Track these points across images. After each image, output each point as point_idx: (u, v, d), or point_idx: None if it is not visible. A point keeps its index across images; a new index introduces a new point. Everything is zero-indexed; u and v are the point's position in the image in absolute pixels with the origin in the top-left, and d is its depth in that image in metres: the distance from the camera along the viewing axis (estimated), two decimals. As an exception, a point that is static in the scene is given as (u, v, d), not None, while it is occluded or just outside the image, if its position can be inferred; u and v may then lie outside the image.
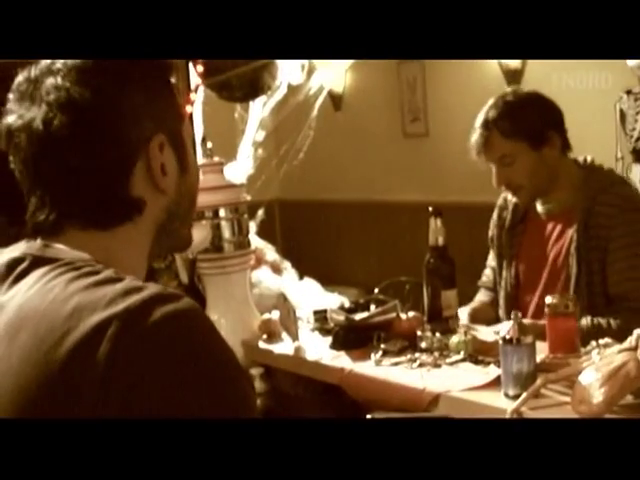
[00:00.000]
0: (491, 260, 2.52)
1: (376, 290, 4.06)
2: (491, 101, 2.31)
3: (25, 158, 0.94)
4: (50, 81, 0.93)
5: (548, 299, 1.89)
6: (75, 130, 0.91)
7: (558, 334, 1.86)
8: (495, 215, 2.50)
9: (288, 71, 2.58)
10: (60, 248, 0.94)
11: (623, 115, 3.65)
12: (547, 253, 2.29)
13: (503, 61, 4.08)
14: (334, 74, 4.62)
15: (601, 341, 1.85)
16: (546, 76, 3.94)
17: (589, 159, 2.30)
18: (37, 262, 0.91)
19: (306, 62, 2.73)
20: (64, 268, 0.89)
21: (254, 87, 2.56)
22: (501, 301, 2.42)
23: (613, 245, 2.12)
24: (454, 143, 4.55)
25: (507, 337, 1.71)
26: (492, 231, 2.50)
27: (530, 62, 4.05)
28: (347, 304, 2.61)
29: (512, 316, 1.72)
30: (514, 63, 4.06)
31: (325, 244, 5.15)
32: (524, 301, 2.35)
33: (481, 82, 4.26)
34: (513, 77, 4.10)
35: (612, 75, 3.68)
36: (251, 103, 2.65)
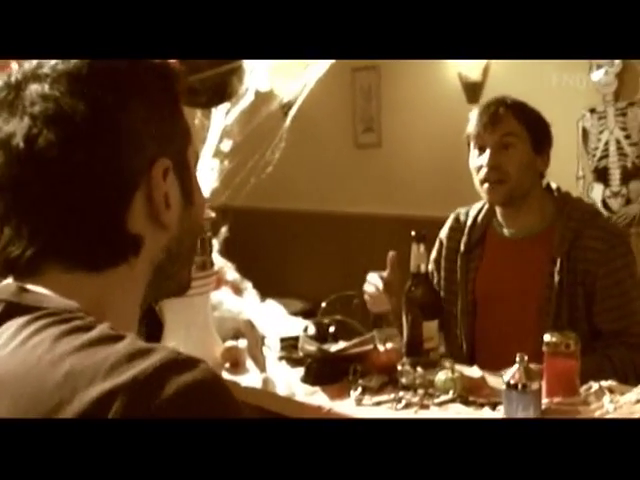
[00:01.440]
0: None
1: (323, 304, 3.92)
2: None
3: (0, 180, 0.76)
4: (35, 88, 0.75)
5: (546, 337, 1.76)
6: (64, 150, 0.74)
7: (558, 376, 1.73)
8: (444, 236, 2.37)
9: (255, 77, 2.39)
10: (41, 293, 0.75)
11: (586, 133, 3.60)
12: (510, 281, 2.18)
13: (463, 73, 3.97)
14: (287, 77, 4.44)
15: (603, 383, 1.73)
16: (506, 90, 3.84)
17: (554, 186, 2.22)
18: (12, 310, 0.73)
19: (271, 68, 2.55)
20: (48, 320, 0.71)
21: (219, 92, 2.36)
22: (450, 325, 2.29)
23: (604, 282, 2.03)
24: (408, 155, 4.46)
25: (512, 382, 1.57)
26: (438, 253, 2.37)
27: (491, 75, 3.96)
28: (311, 328, 2.45)
29: (517, 359, 1.58)
30: (474, 75, 3.96)
31: (271, 254, 4.96)
32: (483, 329, 2.24)
33: (439, 94, 4.15)
34: (473, 90, 4.00)
35: (575, 93, 3.61)
36: (213, 110, 2.45)
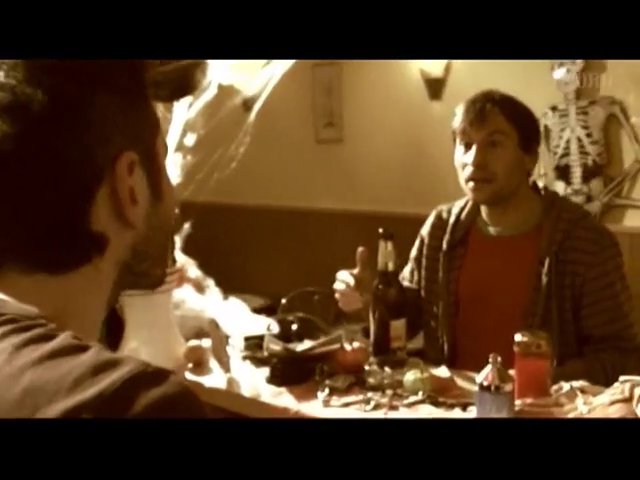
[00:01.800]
0: (406, 273, 2.34)
1: (283, 300, 3.88)
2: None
3: None
4: None
5: (517, 337, 1.73)
6: (20, 142, 0.68)
7: (529, 376, 1.71)
8: (425, 233, 2.30)
9: (218, 70, 2.34)
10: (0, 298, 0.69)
11: (547, 131, 3.60)
12: (495, 280, 2.14)
13: (425, 69, 3.95)
14: (245, 71, 4.37)
15: (575, 384, 1.71)
16: (469, 87, 3.83)
17: (541, 184, 2.19)
18: None
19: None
20: (6, 328, 0.66)
21: (183, 85, 2.28)
22: (430, 325, 2.25)
23: (595, 284, 2.00)
24: (369, 150, 4.43)
25: (485, 384, 1.54)
26: (418, 251, 2.31)
27: (453, 72, 3.95)
28: (275, 326, 2.41)
29: (490, 360, 1.55)
30: (436, 72, 3.94)
31: (230, 250, 4.90)
32: (464, 329, 2.18)
33: (401, 89, 4.13)
34: (435, 86, 3.99)
35: (537, 90, 3.61)
36: (175, 103, 2.39)
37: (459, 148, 2.10)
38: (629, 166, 3.48)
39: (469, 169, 2.06)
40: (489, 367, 1.55)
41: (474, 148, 2.05)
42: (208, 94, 2.37)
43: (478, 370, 1.59)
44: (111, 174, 0.73)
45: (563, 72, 3.57)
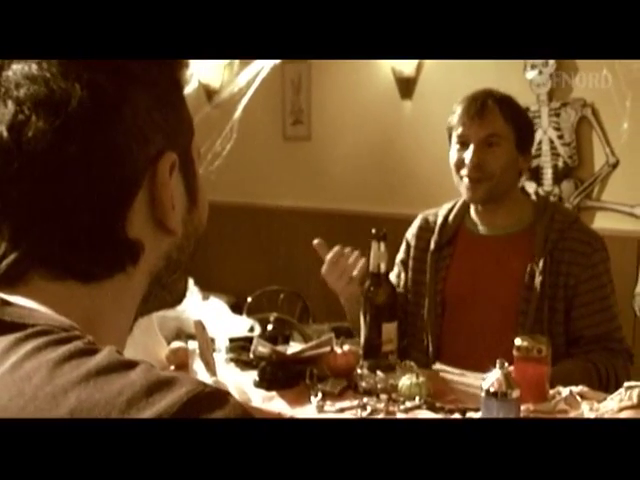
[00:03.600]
0: (393, 277, 2.29)
1: (249, 299, 3.83)
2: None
3: None
4: (19, 68, 0.63)
5: (517, 341, 1.71)
6: (56, 141, 0.62)
7: (528, 381, 1.67)
8: (411, 237, 2.27)
9: (199, 64, 2.27)
10: (28, 307, 0.63)
11: (520, 132, 3.60)
12: (483, 280, 2.12)
13: (397, 67, 3.93)
14: (211, 68, 4.29)
15: (574, 389, 1.70)
16: (440, 86, 3.83)
17: (531, 190, 2.19)
18: None
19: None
20: (41, 340, 0.59)
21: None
22: (415, 326, 2.21)
23: (587, 285, 2.00)
24: (338, 149, 4.39)
25: (492, 390, 1.50)
26: (405, 254, 2.28)
27: (425, 70, 3.93)
28: (257, 328, 2.35)
29: (497, 365, 1.52)
30: (408, 70, 3.92)
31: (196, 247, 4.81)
32: (451, 330, 2.16)
33: (372, 87, 4.10)
34: (406, 85, 3.97)
35: (510, 91, 3.60)
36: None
37: (454, 146, 2.08)
38: (600, 168, 3.50)
39: (466, 167, 2.04)
40: (495, 372, 1.51)
41: (472, 147, 2.03)
42: (189, 87, 2.30)
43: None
44: (151, 177, 0.67)
45: (535, 73, 3.57)
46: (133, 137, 0.65)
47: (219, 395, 0.58)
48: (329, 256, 2.03)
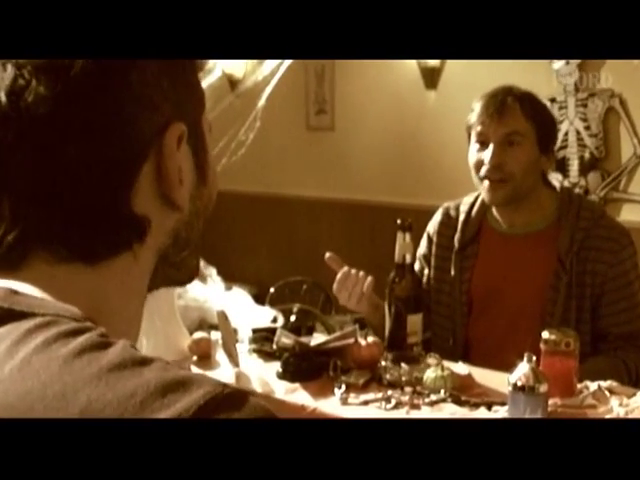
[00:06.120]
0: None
1: (272, 290, 3.82)
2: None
3: None
4: None
5: (545, 334, 1.68)
6: (58, 107, 0.58)
7: (556, 375, 1.64)
8: (433, 231, 2.22)
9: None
10: (34, 296, 0.60)
11: (546, 123, 3.55)
12: (509, 279, 2.08)
13: (422, 58, 3.88)
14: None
15: (602, 383, 1.67)
16: (465, 76, 3.79)
17: (556, 182, 2.13)
18: (4, 318, 0.57)
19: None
20: (49, 333, 0.55)
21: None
22: (438, 324, 2.18)
23: (615, 283, 1.96)
24: (361, 139, 4.36)
25: (519, 384, 1.48)
26: (427, 249, 2.23)
27: (450, 61, 3.89)
28: (280, 318, 2.33)
29: (525, 359, 1.49)
30: (433, 61, 3.88)
31: (215, 237, 4.80)
32: (477, 329, 2.13)
33: (396, 77, 4.07)
34: (431, 75, 3.94)
35: (535, 81, 3.55)
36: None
37: (474, 145, 2.02)
38: (627, 160, 3.45)
39: (485, 168, 1.98)
40: (523, 366, 1.48)
41: (491, 147, 1.97)
42: (213, 76, 2.29)
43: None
44: (158, 148, 0.63)
45: (562, 64, 3.52)
46: (140, 104, 0.62)
47: (239, 396, 0.54)
48: (338, 276, 2.02)
